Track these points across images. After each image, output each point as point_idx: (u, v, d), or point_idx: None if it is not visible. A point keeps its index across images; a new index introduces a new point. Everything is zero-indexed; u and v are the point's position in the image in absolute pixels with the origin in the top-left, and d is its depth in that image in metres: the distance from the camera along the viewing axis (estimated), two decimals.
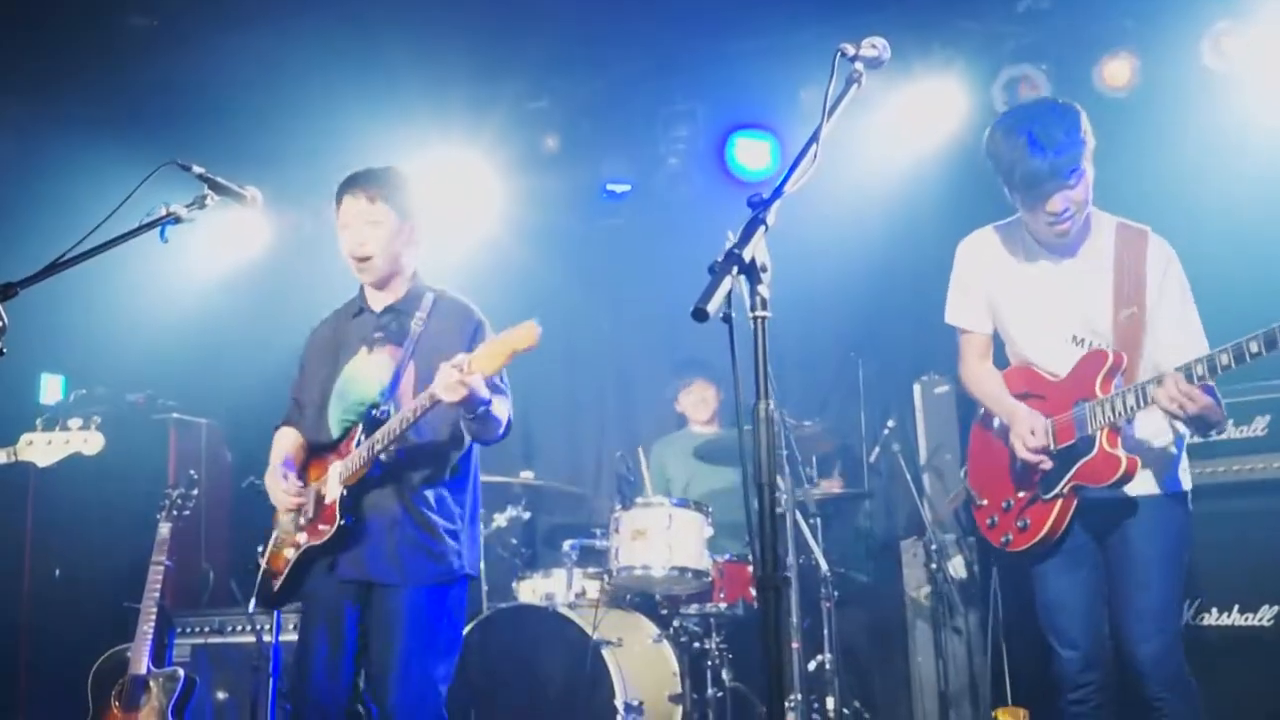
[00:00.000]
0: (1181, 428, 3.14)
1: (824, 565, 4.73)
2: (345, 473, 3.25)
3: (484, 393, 3.06)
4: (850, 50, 2.47)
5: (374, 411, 3.27)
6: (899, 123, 5.64)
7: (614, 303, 6.57)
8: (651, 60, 5.98)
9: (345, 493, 3.23)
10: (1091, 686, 3.16)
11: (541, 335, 2.93)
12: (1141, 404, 2.97)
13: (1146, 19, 5.21)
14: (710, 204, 6.05)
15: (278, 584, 3.37)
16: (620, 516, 4.76)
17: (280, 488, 3.35)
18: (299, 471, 3.42)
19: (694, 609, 4.87)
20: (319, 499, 3.32)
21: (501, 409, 3.24)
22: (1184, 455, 3.21)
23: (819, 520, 4.90)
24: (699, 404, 5.76)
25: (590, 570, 4.97)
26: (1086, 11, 5.32)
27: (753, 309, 2.03)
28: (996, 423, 3.35)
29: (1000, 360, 3.44)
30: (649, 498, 4.87)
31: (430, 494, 3.29)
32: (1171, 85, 5.13)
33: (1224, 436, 4.09)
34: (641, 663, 4.64)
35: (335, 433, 3.38)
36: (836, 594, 4.79)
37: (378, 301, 3.48)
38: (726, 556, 4.91)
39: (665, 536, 4.64)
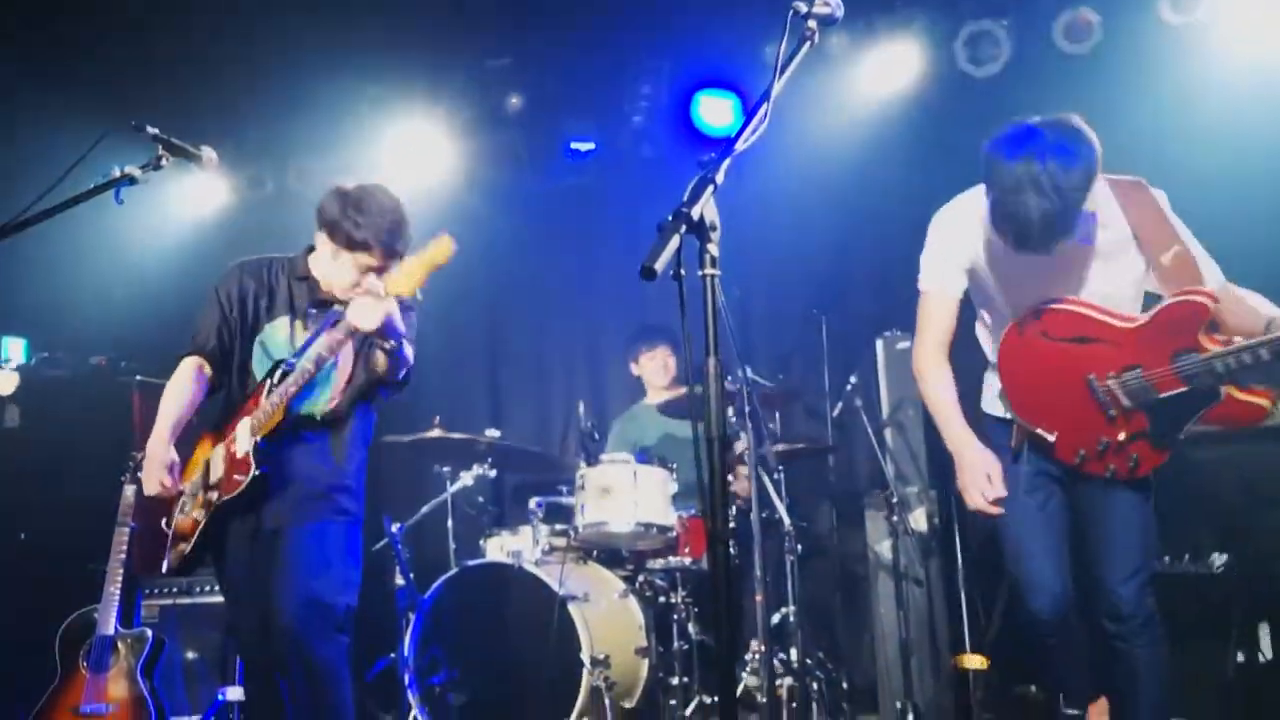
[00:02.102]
0: None
1: (787, 520, 4.79)
2: (256, 424, 3.24)
3: (400, 323, 3.08)
4: (803, 8, 2.46)
5: (282, 366, 3.26)
6: (862, 80, 5.65)
7: (580, 261, 6.58)
8: (615, 17, 5.94)
9: (260, 441, 3.22)
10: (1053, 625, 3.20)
11: (455, 250, 2.94)
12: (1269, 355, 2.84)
13: None
14: (675, 162, 6.06)
15: (188, 547, 3.35)
16: (586, 474, 4.79)
17: (158, 477, 3.28)
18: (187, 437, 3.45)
19: (659, 564, 4.92)
20: (229, 456, 3.31)
21: (410, 351, 3.29)
22: None
23: (782, 475, 4.96)
24: (660, 369, 5.77)
25: (557, 527, 5.01)
26: None
27: (701, 267, 2.05)
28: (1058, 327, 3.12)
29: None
30: (614, 455, 4.90)
31: (332, 443, 3.35)
32: (1131, 40, 5.16)
33: None
34: (608, 617, 4.70)
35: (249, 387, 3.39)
36: (800, 548, 4.86)
37: (336, 286, 3.43)
38: (691, 512, 4.96)
39: (631, 493, 4.69)
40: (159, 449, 3.31)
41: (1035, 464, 3.21)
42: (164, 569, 3.49)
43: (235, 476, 3.25)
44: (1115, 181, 3.09)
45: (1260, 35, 4.97)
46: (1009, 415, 3.27)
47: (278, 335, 3.40)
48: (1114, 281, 3.11)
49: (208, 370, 3.44)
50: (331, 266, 3.36)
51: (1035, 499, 3.20)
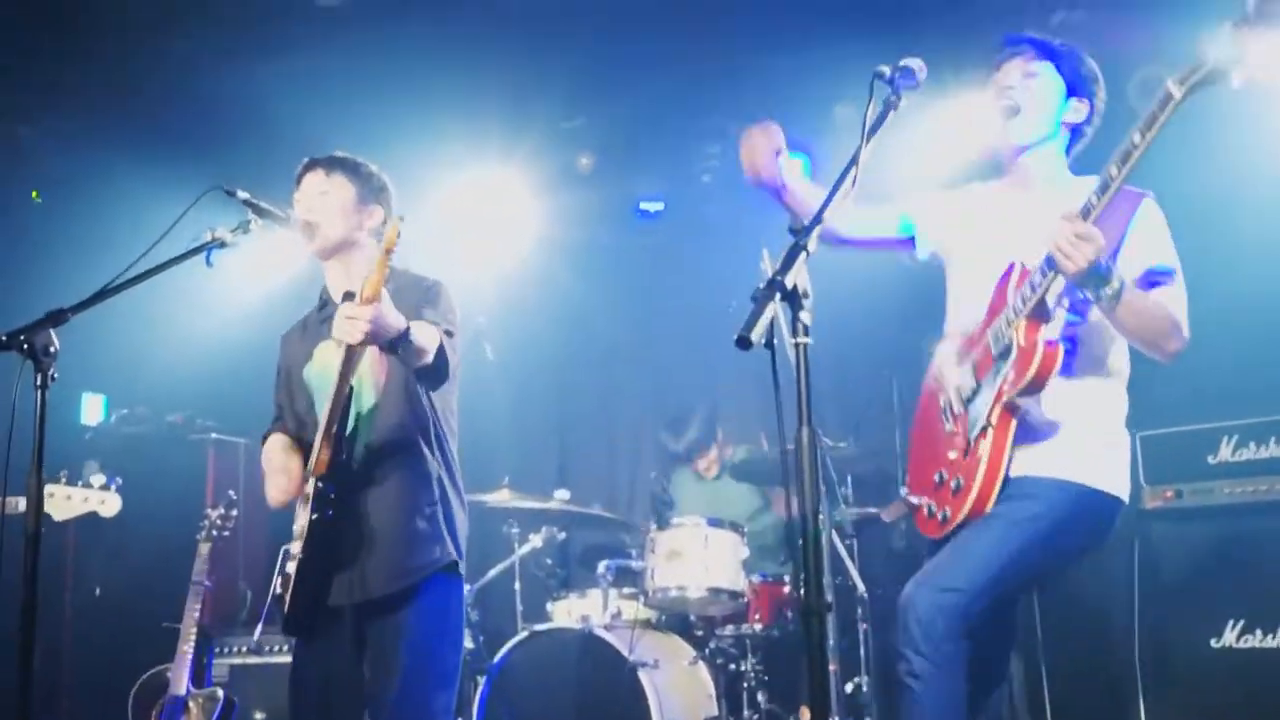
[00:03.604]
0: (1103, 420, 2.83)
1: (860, 586, 4.72)
2: (311, 462, 2.96)
3: (392, 323, 2.72)
4: (886, 71, 2.49)
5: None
6: (933, 137, 5.62)
7: (650, 321, 6.61)
8: (683, 77, 6.00)
9: (319, 484, 2.92)
10: None
11: (400, 234, 2.66)
12: (1045, 273, 2.64)
13: (1181, 31, 5.16)
14: (743, 221, 6.05)
15: (286, 606, 3.02)
16: (656, 537, 4.78)
17: (279, 482, 3.07)
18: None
19: (730, 630, 4.87)
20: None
21: (425, 334, 2.87)
22: (1120, 455, 2.87)
23: (855, 541, 4.90)
24: (709, 466, 5.84)
25: (626, 591, 4.99)
26: (1120, 24, 5.29)
27: (794, 335, 2.04)
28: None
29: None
30: (684, 518, 4.88)
31: (409, 479, 3.05)
32: (1208, 99, 5.09)
33: (1248, 457, 4.09)
34: (678, 685, 4.65)
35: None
36: (873, 615, 4.78)
37: (338, 289, 3.22)
38: (762, 577, 4.91)
39: (701, 557, 4.66)
40: (274, 455, 3.14)
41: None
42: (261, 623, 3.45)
43: (297, 525, 3.03)
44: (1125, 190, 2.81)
45: None
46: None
47: (325, 366, 3.16)
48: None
49: (286, 439, 3.28)
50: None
51: None
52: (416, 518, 3.02)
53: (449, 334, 3.00)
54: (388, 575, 2.96)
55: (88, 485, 3.82)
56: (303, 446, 3.18)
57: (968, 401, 2.86)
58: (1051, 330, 2.76)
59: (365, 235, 3.27)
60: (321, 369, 3.19)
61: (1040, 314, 2.73)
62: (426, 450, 3.08)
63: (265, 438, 3.40)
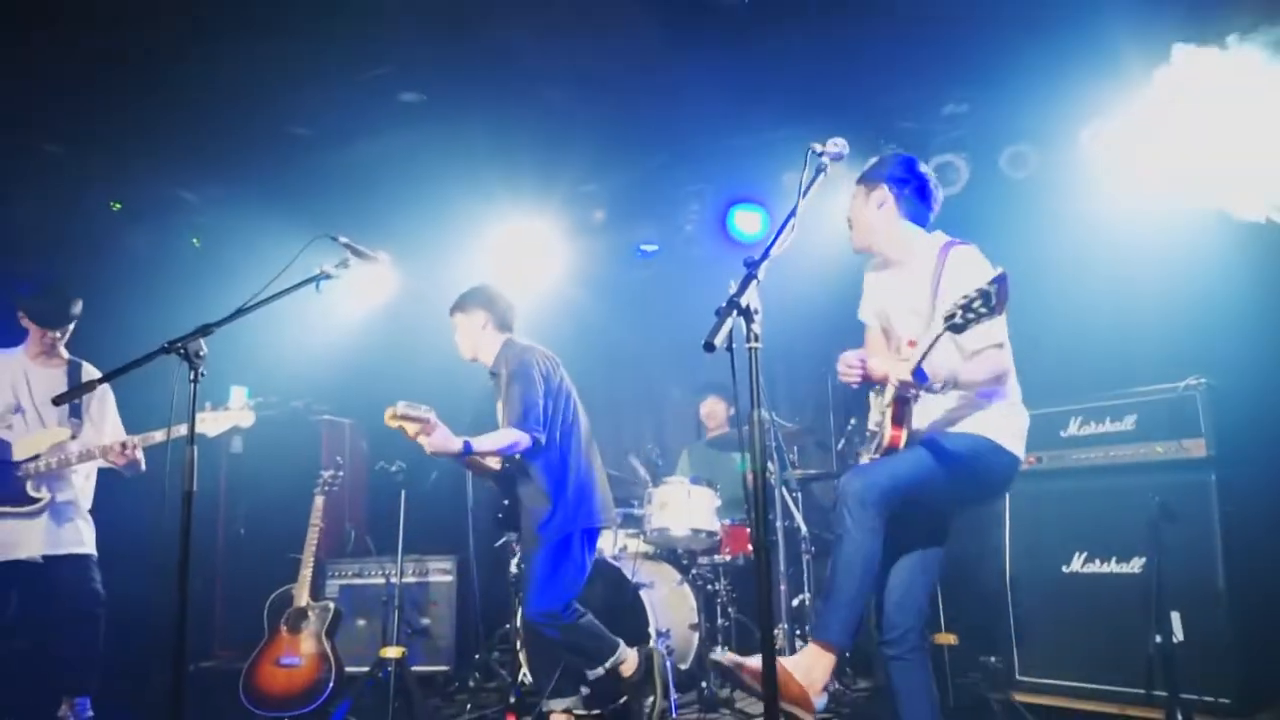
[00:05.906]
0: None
1: (804, 527, 4.69)
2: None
3: (452, 448, 3.38)
4: (819, 147, 2.48)
5: None
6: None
7: (645, 334, 6.58)
8: (671, 153, 5.98)
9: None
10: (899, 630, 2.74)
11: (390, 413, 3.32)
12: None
13: (1040, 117, 5.11)
14: (717, 260, 6.03)
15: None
16: (651, 491, 4.75)
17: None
18: None
19: (706, 560, 4.85)
20: None
21: (487, 443, 3.51)
22: (990, 412, 2.71)
23: (800, 494, 4.86)
24: (710, 414, 5.78)
25: (629, 531, 4.96)
26: (995, 112, 5.25)
27: (747, 341, 2.02)
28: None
29: None
30: (671, 478, 4.85)
31: (533, 477, 3.76)
32: (1060, 170, 5.05)
33: (1103, 429, 4.04)
34: (668, 600, 4.62)
35: None
36: (814, 549, 4.74)
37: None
38: (730, 520, 4.88)
39: (686, 505, 4.63)
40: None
41: None
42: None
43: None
44: (949, 243, 2.77)
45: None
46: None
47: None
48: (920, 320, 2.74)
49: None
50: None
51: None
52: (539, 508, 3.75)
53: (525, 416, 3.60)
54: (527, 542, 3.80)
55: (227, 407, 3.80)
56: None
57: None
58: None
59: (484, 332, 3.92)
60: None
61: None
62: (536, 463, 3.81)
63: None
